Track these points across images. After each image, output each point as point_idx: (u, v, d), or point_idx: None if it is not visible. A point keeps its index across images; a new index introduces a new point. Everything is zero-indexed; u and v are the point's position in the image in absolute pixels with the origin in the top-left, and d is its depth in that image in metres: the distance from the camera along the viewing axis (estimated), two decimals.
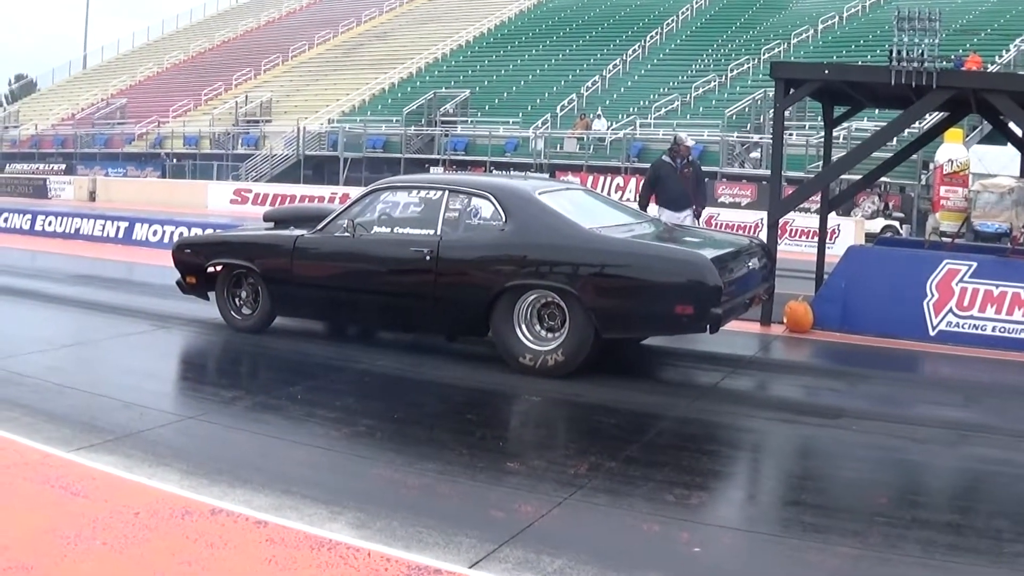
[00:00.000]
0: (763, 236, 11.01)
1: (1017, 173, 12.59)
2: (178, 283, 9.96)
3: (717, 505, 5.39)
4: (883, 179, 22.68)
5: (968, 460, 6.27)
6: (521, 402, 7.50)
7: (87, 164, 44.09)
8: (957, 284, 10.00)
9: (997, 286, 9.91)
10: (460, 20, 50.91)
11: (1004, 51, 31.90)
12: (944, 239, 11.18)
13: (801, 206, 16.92)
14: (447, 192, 8.49)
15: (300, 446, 6.00)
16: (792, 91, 11.16)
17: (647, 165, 30.41)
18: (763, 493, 5.82)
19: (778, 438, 6.82)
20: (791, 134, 27.54)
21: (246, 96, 46.33)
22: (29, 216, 21.22)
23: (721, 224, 23.04)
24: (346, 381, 7.77)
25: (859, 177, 15.36)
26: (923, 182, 25.72)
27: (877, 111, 20.59)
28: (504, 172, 29.88)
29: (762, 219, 16.17)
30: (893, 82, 10.16)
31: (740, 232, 19.18)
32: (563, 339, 7.81)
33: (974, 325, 9.95)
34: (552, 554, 4.35)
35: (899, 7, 10.48)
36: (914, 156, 19.17)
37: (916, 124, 17.33)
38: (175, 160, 42.07)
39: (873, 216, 25.71)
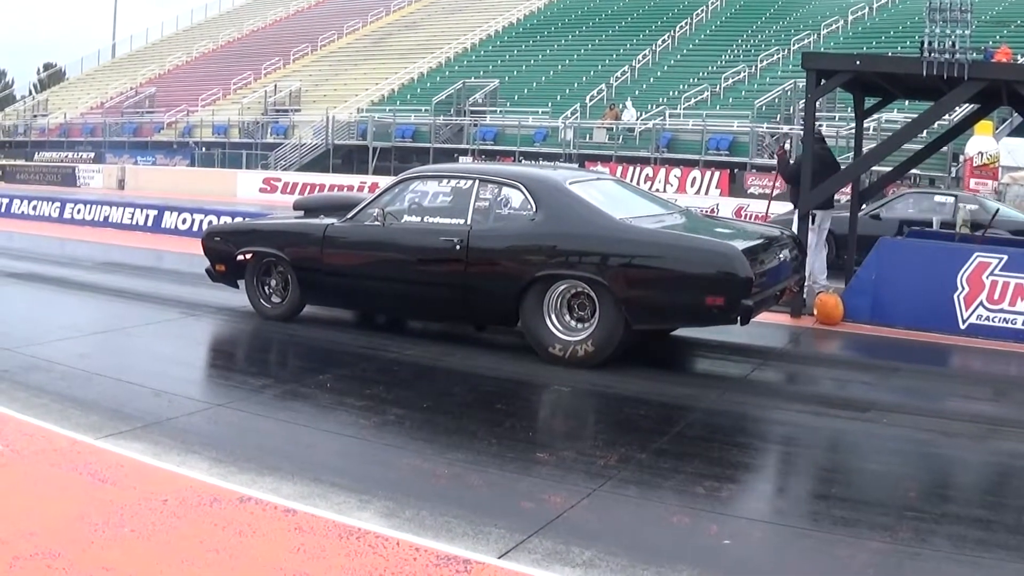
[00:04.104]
0: (794, 227, 10.94)
1: None
2: (207, 271, 10.02)
3: (747, 498, 5.37)
4: (913, 171, 22.48)
5: (998, 455, 6.22)
6: (550, 392, 7.49)
7: (116, 153, 44.19)
8: (988, 277, 9.91)
9: None
10: (489, 10, 50.78)
11: None
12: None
13: None
14: (477, 182, 8.47)
15: (329, 435, 6.03)
16: (823, 82, 11.09)
17: (676, 156, 30.79)
18: (793, 486, 5.79)
19: (808, 431, 6.78)
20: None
21: (275, 85, 46.35)
22: (58, 204, 21.39)
23: (751, 215, 22.90)
24: (375, 370, 7.77)
25: (889, 169, 15.26)
26: (953, 174, 25.49)
27: (907, 103, 20.43)
28: (533, 162, 29.81)
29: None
30: (925, 73, 10.09)
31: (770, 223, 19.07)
32: (593, 329, 7.80)
33: (1004, 319, 9.85)
34: (581, 545, 4.34)
35: None
36: (944, 148, 19.01)
37: (946, 116, 17.20)
38: (204, 149, 42.07)
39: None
